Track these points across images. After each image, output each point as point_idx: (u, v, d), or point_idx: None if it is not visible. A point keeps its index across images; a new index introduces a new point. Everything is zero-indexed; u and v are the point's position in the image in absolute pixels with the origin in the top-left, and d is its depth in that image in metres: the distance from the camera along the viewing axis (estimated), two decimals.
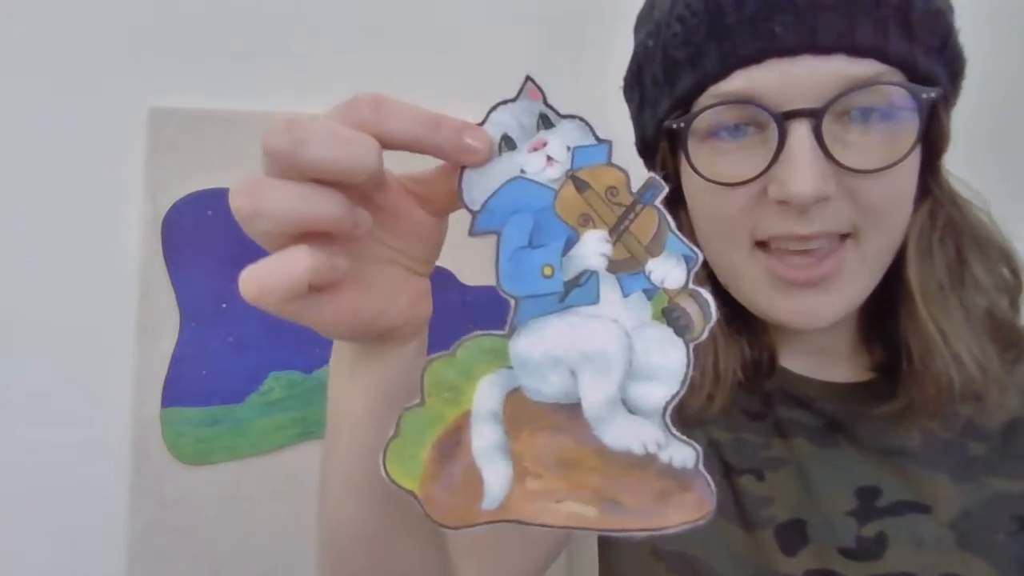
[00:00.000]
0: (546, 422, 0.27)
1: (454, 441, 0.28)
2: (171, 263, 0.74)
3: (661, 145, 0.45)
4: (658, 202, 0.26)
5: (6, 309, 0.72)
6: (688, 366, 0.25)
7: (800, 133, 0.37)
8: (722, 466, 0.45)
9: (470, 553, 0.43)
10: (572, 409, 0.27)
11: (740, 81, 0.38)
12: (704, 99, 0.40)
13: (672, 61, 0.42)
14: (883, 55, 0.37)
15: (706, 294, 0.25)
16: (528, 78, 0.29)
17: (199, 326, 0.75)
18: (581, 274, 0.27)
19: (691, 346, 0.25)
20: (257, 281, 0.26)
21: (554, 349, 0.26)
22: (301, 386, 0.77)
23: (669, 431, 0.26)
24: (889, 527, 0.41)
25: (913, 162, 0.39)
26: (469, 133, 0.27)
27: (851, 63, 0.37)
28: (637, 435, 0.26)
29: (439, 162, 0.30)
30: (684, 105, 0.42)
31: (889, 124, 0.38)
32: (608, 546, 0.52)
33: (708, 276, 0.46)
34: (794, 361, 0.47)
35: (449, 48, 0.86)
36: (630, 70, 0.48)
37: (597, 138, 0.27)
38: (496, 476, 0.27)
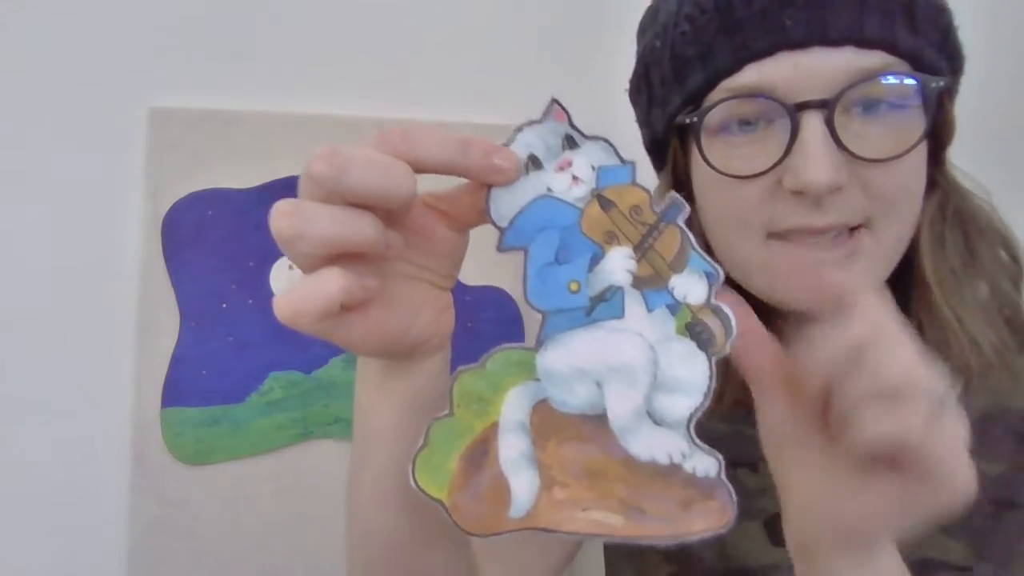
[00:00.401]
0: (573, 432, 0.28)
1: (482, 451, 0.29)
2: (171, 263, 0.74)
3: (672, 142, 0.46)
4: (680, 221, 0.27)
5: (6, 309, 0.72)
6: (711, 379, 0.26)
7: (813, 124, 0.38)
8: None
9: (492, 557, 0.44)
10: (598, 420, 0.27)
11: (752, 74, 0.39)
12: (716, 94, 0.41)
13: (682, 59, 0.43)
14: (891, 47, 0.38)
15: (728, 309, 0.26)
16: (554, 100, 0.30)
17: (199, 326, 0.75)
18: (607, 289, 0.28)
19: (713, 360, 0.26)
20: (292, 303, 0.27)
21: (581, 362, 0.27)
22: (301, 386, 0.77)
23: (693, 442, 0.27)
24: None
25: (922, 153, 0.40)
26: (497, 154, 0.29)
27: (860, 55, 0.38)
28: (662, 445, 0.27)
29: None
30: (695, 101, 0.42)
31: (898, 115, 0.39)
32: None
33: None
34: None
35: (449, 49, 0.86)
36: (636, 72, 0.49)
37: (621, 159, 0.28)
38: (523, 485, 0.28)
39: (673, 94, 0.44)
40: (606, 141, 0.29)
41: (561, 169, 0.29)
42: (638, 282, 0.27)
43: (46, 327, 0.73)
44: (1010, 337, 0.44)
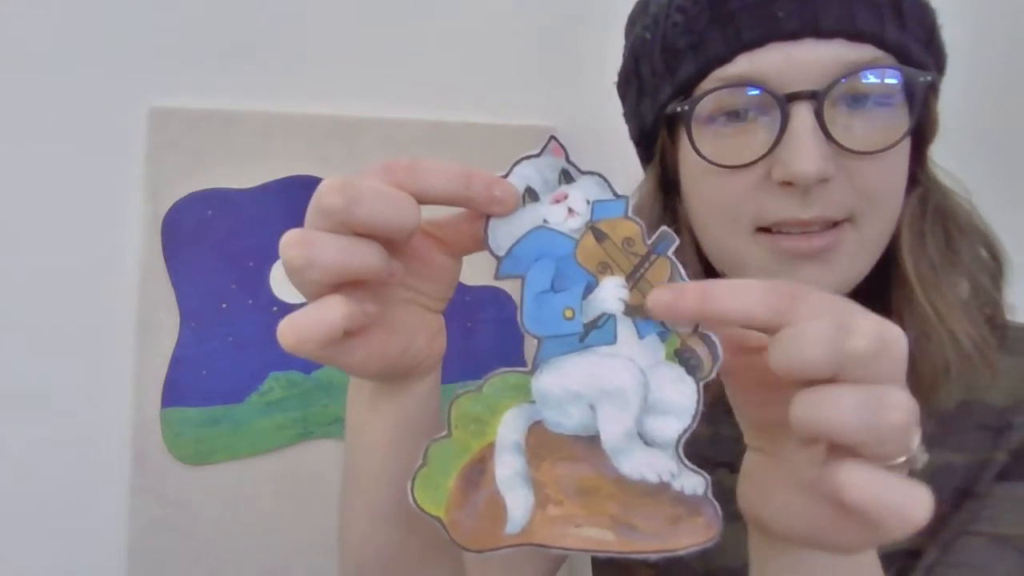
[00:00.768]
0: (566, 453, 0.29)
1: (479, 470, 0.30)
2: (171, 263, 0.74)
3: (661, 134, 0.46)
4: (670, 252, 0.28)
5: (6, 309, 0.72)
6: (698, 403, 0.27)
7: (802, 114, 0.38)
8: (700, 459, 0.46)
9: (482, 568, 0.44)
10: (591, 441, 0.29)
11: (744, 64, 0.40)
12: (707, 83, 0.41)
13: (673, 50, 0.43)
14: (880, 41, 0.39)
15: (715, 337, 0.27)
16: (552, 137, 0.30)
17: (199, 326, 0.75)
18: (600, 317, 0.29)
19: (701, 384, 0.27)
20: (296, 330, 0.27)
21: (574, 385, 0.29)
22: (301, 386, 0.77)
23: (681, 462, 0.28)
24: None
25: (905, 149, 0.41)
26: (497, 186, 0.29)
27: (850, 47, 0.38)
28: (652, 465, 0.28)
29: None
30: (686, 91, 0.43)
31: (885, 109, 0.40)
32: None
33: (704, 271, 0.46)
34: None
35: (450, 49, 0.86)
36: (625, 65, 0.50)
37: (615, 193, 0.30)
38: (518, 502, 0.29)
39: (664, 84, 0.44)
40: (601, 176, 0.31)
41: (557, 202, 0.30)
42: (629, 310, 0.29)
43: (46, 327, 0.73)
44: (989, 333, 0.44)
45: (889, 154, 0.40)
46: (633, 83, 0.49)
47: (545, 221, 0.30)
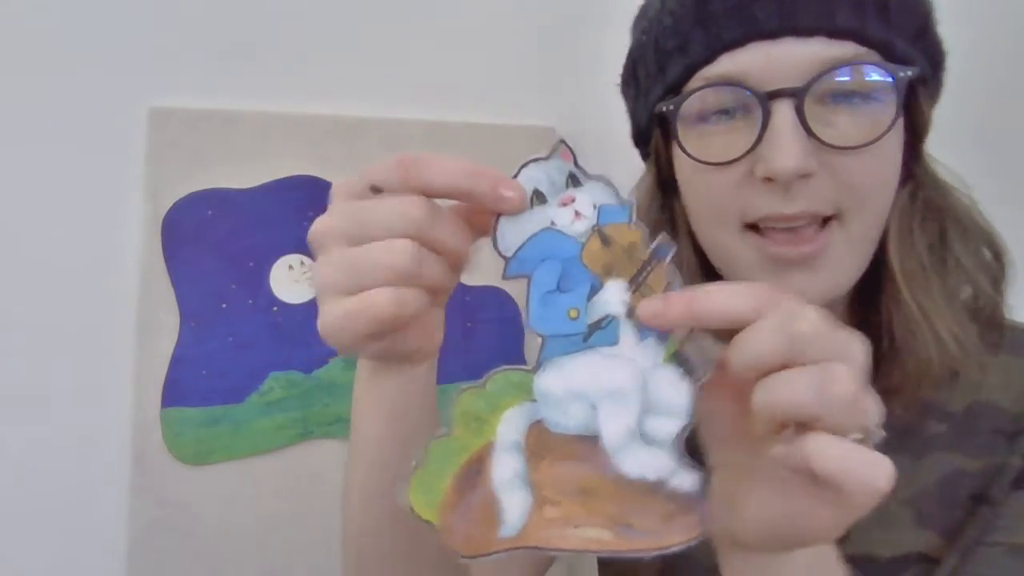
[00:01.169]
0: (566, 452, 0.29)
1: (476, 470, 0.30)
2: (171, 263, 0.74)
3: (655, 133, 0.48)
4: (669, 258, 0.29)
5: (6, 309, 0.72)
6: (694, 403, 0.28)
7: (783, 112, 0.39)
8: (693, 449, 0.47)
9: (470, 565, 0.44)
10: (591, 440, 0.29)
11: (726, 64, 0.41)
12: (692, 83, 0.42)
13: (664, 52, 0.44)
14: (861, 37, 0.39)
15: (709, 341, 0.28)
16: (561, 141, 0.32)
17: (199, 326, 0.75)
18: (603, 318, 0.29)
19: (697, 385, 0.28)
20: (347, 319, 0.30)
21: (577, 384, 0.29)
22: (301, 386, 0.77)
23: (679, 459, 0.28)
24: None
25: (894, 144, 0.41)
26: (504, 184, 0.31)
27: (830, 45, 0.39)
28: (652, 463, 0.28)
29: None
30: (675, 91, 0.44)
31: (869, 105, 0.40)
32: None
33: (700, 265, 0.47)
34: None
35: (450, 49, 0.86)
36: (626, 66, 0.51)
37: (620, 199, 0.31)
38: (516, 504, 0.29)
39: (656, 85, 0.45)
40: (607, 181, 0.31)
41: (564, 205, 0.31)
42: (631, 313, 0.29)
43: (46, 327, 0.73)
44: (982, 334, 0.44)
45: (874, 149, 0.40)
46: (631, 84, 0.50)
47: (552, 223, 0.30)
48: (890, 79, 0.40)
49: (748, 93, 0.40)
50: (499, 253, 0.31)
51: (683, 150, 0.42)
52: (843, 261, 0.42)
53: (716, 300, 0.27)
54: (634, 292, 0.29)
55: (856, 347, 0.27)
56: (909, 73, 0.40)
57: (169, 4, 0.77)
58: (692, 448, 0.29)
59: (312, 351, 0.77)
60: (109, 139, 0.75)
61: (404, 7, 0.84)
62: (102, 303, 0.74)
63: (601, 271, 0.30)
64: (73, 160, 0.74)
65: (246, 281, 0.76)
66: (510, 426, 0.30)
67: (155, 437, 0.73)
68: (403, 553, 0.39)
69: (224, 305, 0.76)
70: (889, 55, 0.40)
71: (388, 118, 0.82)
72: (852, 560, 0.35)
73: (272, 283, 0.77)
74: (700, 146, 0.42)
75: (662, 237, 0.29)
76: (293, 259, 0.78)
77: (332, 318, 0.33)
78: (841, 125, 0.40)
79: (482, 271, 0.80)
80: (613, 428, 0.28)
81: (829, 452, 0.25)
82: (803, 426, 0.26)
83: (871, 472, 0.25)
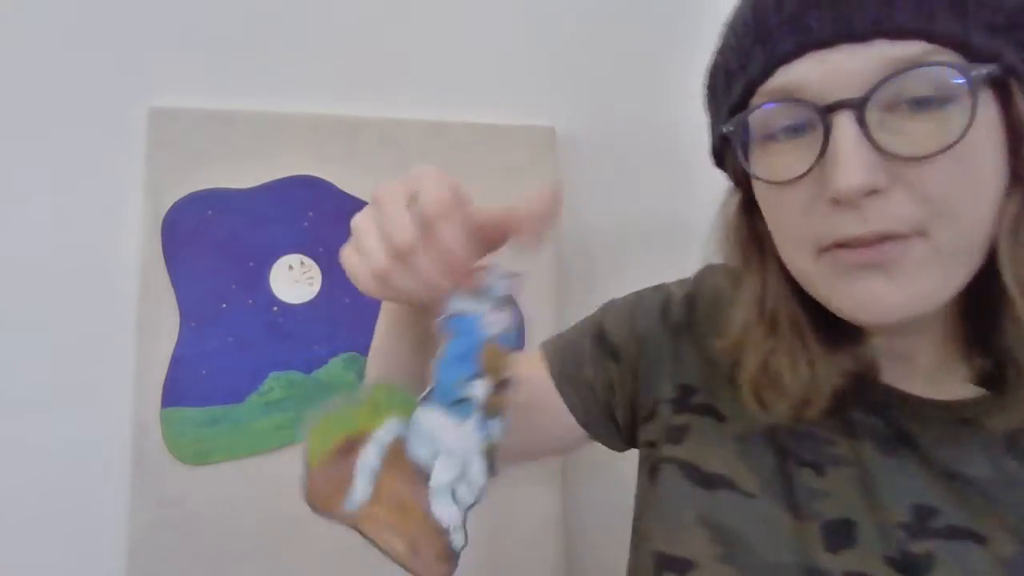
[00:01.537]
0: (407, 473, 0.38)
1: (351, 447, 0.38)
2: (171, 263, 0.74)
3: (727, 155, 0.46)
4: (511, 346, 0.40)
5: (6, 308, 0.72)
6: (483, 491, 0.38)
7: (843, 124, 0.36)
8: (778, 450, 0.45)
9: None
10: (424, 475, 0.38)
11: (782, 78, 0.38)
12: (754, 101, 0.40)
13: (729, 72, 0.43)
14: (928, 34, 0.36)
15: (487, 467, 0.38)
16: (515, 275, 0.42)
17: (199, 326, 0.75)
18: (469, 398, 0.38)
19: (487, 480, 0.38)
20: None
21: (438, 432, 0.38)
22: (301, 386, 0.77)
23: (463, 523, 0.38)
24: (939, 549, 0.39)
25: (984, 148, 0.37)
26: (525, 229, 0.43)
27: (893, 46, 0.36)
28: (451, 515, 0.37)
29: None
30: (739, 111, 0.42)
31: (945, 110, 0.36)
32: (648, 507, 0.51)
33: (793, 290, 0.44)
34: (891, 372, 0.45)
35: (450, 49, 0.86)
36: (706, 84, 0.49)
37: (519, 329, 0.40)
38: (361, 490, 0.37)
39: (723, 106, 0.44)
40: (521, 319, 0.41)
41: (495, 312, 0.40)
42: (483, 406, 0.38)
43: (47, 327, 0.73)
44: None
45: (954, 156, 0.36)
46: (711, 103, 0.48)
47: (482, 316, 0.40)
48: (962, 80, 0.36)
49: (807, 106, 0.37)
50: (446, 306, 0.40)
51: (748, 170, 0.41)
52: (927, 270, 0.38)
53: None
54: (491, 395, 0.39)
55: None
56: (985, 71, 0.36)
57: (169, 4, 0.77)
58: None
59: (312, 351, 0.77)
60: (109, 139, 0.75)
61: (404, 7, 0.84)
62: (102, 303, 0.74)
63: (485, 366, 0.39)
64: (73, 160, 0.74)
65: (246, 281, 0.76)
66: (387, 429, 0.38)
67: (155, 437, 0.73)
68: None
69: (224, 305, 0.76)
70: (965, 51, 0.36)
71: (388, 118, 0.82)
72: None
73: (272, 283, 0.77)
74: (766, 164, 0.40)
75: (519, 336, 0.41)
76: (293, 259, 0.78)
77: (347, 264, 0.39)
78: (915, 133, 0.36)
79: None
80: (441, 477, 0.37)
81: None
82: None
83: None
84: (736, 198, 0.47)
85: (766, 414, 0.45)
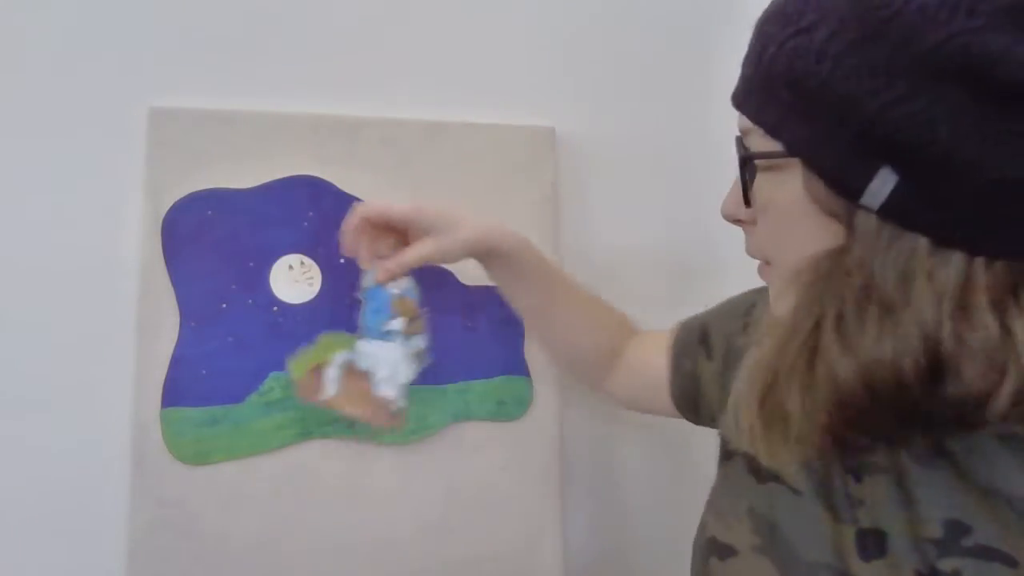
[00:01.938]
0: (357, 377, 0.67)
1: (318, 367, 0.68)
2: (171, 263, 0.74)
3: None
4: (416, 298, 0.68)
5: (6, 308, 0.72)
6: (411, 376, 0.68)
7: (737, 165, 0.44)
8: (826, 468, 0.47)
9: (627, 367, 0.74)
10: (369, 376, 0.67)
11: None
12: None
13: None
14: (746, 111, 0.42)
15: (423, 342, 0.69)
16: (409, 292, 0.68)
17: (199, 326, 0.75)
18: (391, 330, 0.66)
19: (415, 368, 0.68)
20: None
21: (374, 351, 0.67)
22: None
23: (398, 395, 0.67)
24: (968, 568, 0.39)
25: (791, 210, 0.41)
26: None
27: (741, 117, 0.43)
28: (389, 394, 0.66)
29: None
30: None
31: (758, 176, 0.43)
32: (715, 495, 0.55)
33: None
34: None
35: (450, 49, 0.86)
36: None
37: (415, 289, 0.67)
38: (331, 385, 0.67)
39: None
40: (414, 283, 0.67)
41: (395, 282, 0.67)
42: (404, 331, 0.67)
43: (46, 327, 0.73)
44: None
45: (763, 215, 0.43)
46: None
47: (387, 287, 0.66)
48: (743, 152, 0.43)
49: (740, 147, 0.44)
50: (360, 286, 0.67)
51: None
52: (781, 292, 0.44)
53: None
54: (405, 326, 0.66)
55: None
56: (746, 151, 0.42)
57: (169, 4, 0.77)
58: None
59: None
60: (109, 139, 0.75)
61: (404, 7, 0.84)
62: (102, 303, 0.74)
63: (398, 311, 0.66)
64: (73, 160, 0.74)
65: (246, 281, 0.76)
66: (341, 355, 0.67)
67: (155, 437, 0.73)
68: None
69: (224, 305, 0.76)
70: (768, 129, 0.40)
71: (388, 118, 0.82)
72: None
73: (272, 283, 0.77)
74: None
75: (416, 290, 0.68)
76: (293, 259, 0.78)
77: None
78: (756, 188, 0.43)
79: (482, 272, 0.81)
80: (380, 374, 0.67)
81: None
82: None
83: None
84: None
85: None
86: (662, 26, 0.93)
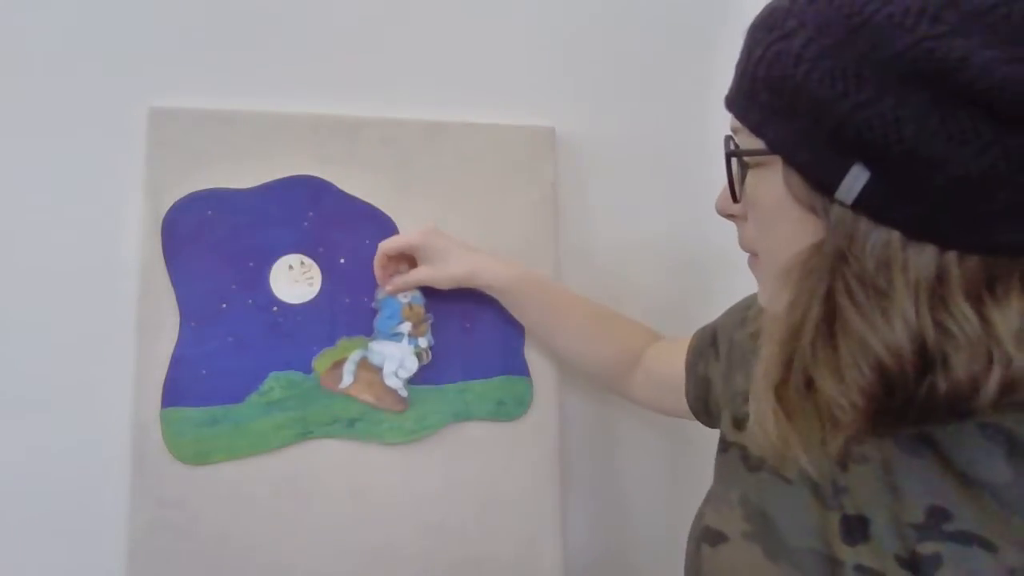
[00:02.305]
0: (370, 370, 0.79)
1: (338, 363, 0.78)
2: (171, 263, 0.74)
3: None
4: (424, 305, 0.81)
5: (5, 308, 0.72)
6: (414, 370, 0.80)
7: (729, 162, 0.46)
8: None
9: (646, 372, 0.79)
10: (379, 371, 0.79)
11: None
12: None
13: None
14: (734, 111, 0.44)
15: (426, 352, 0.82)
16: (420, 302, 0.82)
17: (199, 326, 0.75)
18: (400, 332, 0.79)
19: (418, 366, 0.80)
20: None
21: (384, 349, 0.79)
22: (301, 386, 0.77)
23: (404, 386, 0.80)
24: (947, 552, 0.40)
25: (774, 207, 0.43)
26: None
27: (731, 118, 0.45)
28: (396, 384, 0.79)
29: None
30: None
31: (749, 171, 0.45)
32: (712, 486, 0.57)
33: None
34: None
35: (450, 49, 0.86)
36: None
37: (420, 297, 0.81)
38: (348, 376, 0.78)
39: None
40: (420, 293, 0.81)
41: (403, 294, 0.80)
42: (410, 333, 0.80)
43: (46, 327, 0.73)
44: None
45: (751, 211, 0.46)
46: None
47: (396, 297, 0.80)
48: (729, 149, 0.45)
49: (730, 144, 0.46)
50: (376, 297, 0.80)
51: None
52: (766, 283, 0.47)
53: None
54: (411, 329, 0.79)
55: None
56: (734, 147, 0.45)
57: (169, 4, 0.77)
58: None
59: (312, 351, 0.77)
60: (109, 139, 0.75)
61: (404, 7, 0.84)
62: (102, 303, 0.74)
63: (406, 316, 0.79)
64: (73, 160, 0.74)
65: (246, 281, 0.76)
66: (356, 353, 0.79)
67: (155, 437, 0.73)
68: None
69: (224, 305, 0.76)
70: (753, 129, 0.43)
71: (388, 118, 0.82)
72: None
73: (272, 283, 0.77)
74: None
75: (424, 303, 0.81)
76: (293, 259, 0.78)
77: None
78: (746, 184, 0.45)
79: None
80: (387, 368, 0.79)
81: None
82: None
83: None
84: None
85: None
86: (662, 26, 0.93)
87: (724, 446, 0.57)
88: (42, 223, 0.73)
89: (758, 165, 0.44)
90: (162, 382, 0.73)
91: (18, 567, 0.72)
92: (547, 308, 0.80)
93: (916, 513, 0.42)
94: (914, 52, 0.34)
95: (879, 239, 0.38)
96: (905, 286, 0.37)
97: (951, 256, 0.37)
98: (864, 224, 0.38)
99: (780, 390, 0.43)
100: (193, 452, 0.74)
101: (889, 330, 0.38)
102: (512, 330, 0.84)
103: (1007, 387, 0.37)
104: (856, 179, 0.38)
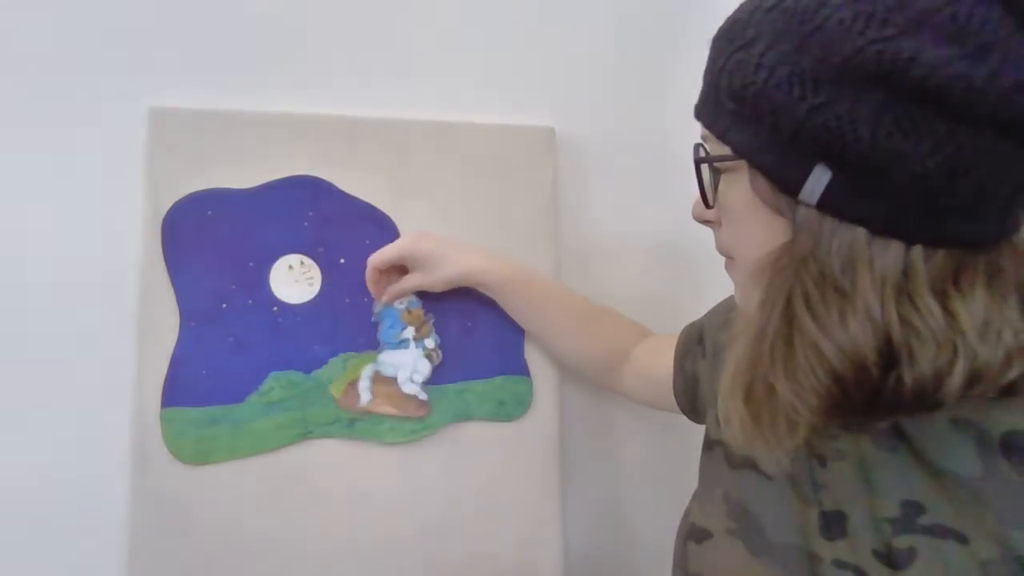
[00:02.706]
0: (386, 383, 0.80)
1: (356, 379, 0.79)
2: (171, 263, 0.74)
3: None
4: (428, 319, 0.82)
5: (6, 309, 0.72)
6: (430, 374, 0.81)
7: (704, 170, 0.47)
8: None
9: (636, 369, 0.79)
10: (394, 380, 0.80)
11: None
12: None
13: None
14: (703, 121, 0.46)
15: (439, 352, 0.82)
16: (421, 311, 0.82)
17: (199, 326, 0.75)
18: (404, 339, 0.80)
19: (430, 369, 0.81)
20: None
21: (393, 359, 0.80)
22: (301, 386, 0.77)
23: (420, 390, 0.80)
24: (922, 545, 0.41)
25: (743, 212, 0.45)
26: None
27: (701, 127, 0.46)
28: (412, 389, 0.80)
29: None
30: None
31: (720, 178, 0.47)
32: (698, 486, 0.58)
33: None
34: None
35: (450, 49, 0.86)
36: None
37: (417, 300, 0.81)
38: (365, 394, 0.79)
39: None
40: (416, 297, 0.81)
41: (400, 301, 0.81)
42: (414, 338, 0.80)
43: (46, 327, 0.73)
44: None
45: (724, 215, 0.47)
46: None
47: (395, 306, 0.81)
48: (698, 156, 0.47)
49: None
50: (373, 311, 0.80)
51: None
52: (741, 284, 0.48)
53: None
54: (416, 332, 0.80)
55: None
56: (704, 155, 0.46)
57: (169, 4, 0.77)
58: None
59: (312, 351, 0.77)
60: (109, 139, 0.75)
61: (405, 8, 0.84)
62: (102, 303, 0.74)
63: (407, 322, 0.80)
64: (73, 160, 0.74)
65: (246, 281, 0.76)
66: (368, 368, 0.79)
67: (155, 437, 0.73)
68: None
69: (224, 305, 0.76)
70: (721, 136, 0.44)
71: (388, 118, 0.82)
72: None
73: (272, 283, 0.77)
74: None
75: (420, 304, 0.81)
76: (293, 259, 0.78)
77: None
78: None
79: None
80: (401, 376, 0.79)
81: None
82: None
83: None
84: None
85: None
86: (662, 26, 0.93)
87: (708, 444, 0.58)
88: (42, 223, 0.73)
89: (728, 171, 0.45)
90: (162, 382, 0.73)
91: (18, 567, 0.72)
92: (536, 305, 0.80)
93: (891, 507, 0.43)
94: (864, 55, 0.35)
95: (844, 238, 0.39)
96: (871, 283, 0.38)
97: (916, 251, 0.38)
98: (829, 223, 0.39)
99: (746, 390, 0.44)
100: (193, 452, 0.74)
101: (844, 334, 0.39)
102: (512, 330, 0.84)
103: (972, 379, 0.38)
104: (819, 180, 0.39)
